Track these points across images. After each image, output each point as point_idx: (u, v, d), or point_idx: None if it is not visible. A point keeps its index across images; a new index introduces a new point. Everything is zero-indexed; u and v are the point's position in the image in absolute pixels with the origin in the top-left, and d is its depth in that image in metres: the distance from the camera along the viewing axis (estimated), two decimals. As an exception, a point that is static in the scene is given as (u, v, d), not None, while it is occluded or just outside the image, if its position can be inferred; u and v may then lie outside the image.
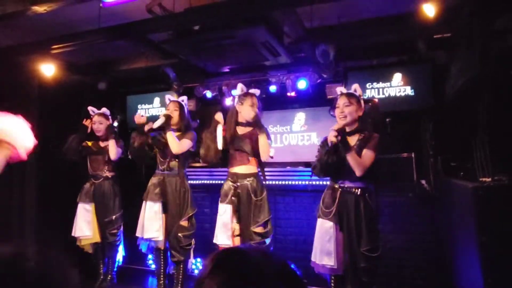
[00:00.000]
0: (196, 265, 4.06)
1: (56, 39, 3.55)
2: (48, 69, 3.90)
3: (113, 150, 3.50)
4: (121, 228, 3.58)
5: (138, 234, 3.15)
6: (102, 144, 3.62)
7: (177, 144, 3.09)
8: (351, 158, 2.44)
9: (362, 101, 2.55)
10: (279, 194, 3.95)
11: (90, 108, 3.70)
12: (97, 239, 3.49)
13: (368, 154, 2.45)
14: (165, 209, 3.16)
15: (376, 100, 4.09)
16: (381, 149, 2.55)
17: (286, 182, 3.94)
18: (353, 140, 2.54)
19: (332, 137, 2.41)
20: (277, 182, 3.91)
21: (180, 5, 3.21)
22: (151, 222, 3.07)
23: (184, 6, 3.18)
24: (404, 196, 3.53)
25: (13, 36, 3.79)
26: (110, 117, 3.75)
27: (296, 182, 3.92)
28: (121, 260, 3.67)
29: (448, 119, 3.62)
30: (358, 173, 2.44)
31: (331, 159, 2.48)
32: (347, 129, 2.55)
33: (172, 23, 3.29)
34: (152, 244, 3.16)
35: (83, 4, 2.88)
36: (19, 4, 2.85)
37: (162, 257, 3.22)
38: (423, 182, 3.59)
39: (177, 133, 3.24)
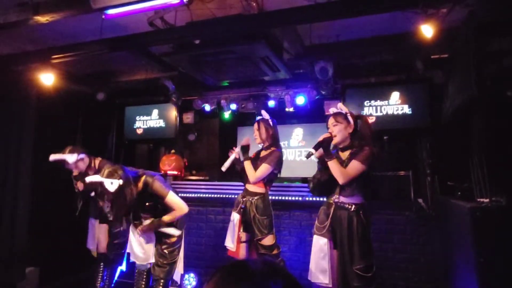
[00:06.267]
0: (189, 280, 3.98)
1: (57, 49, 3.57)
2: (47, 79, 3.90)
3: None
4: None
5: (131, 258, 2.97)
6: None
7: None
8: (332, 165, 2.43)
9: (350, 118, 2.57)
10: (274, 209, 3.92)
11: (52, 158, 3.34)
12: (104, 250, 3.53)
13: (353, 164, 2.44)
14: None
15: (368, 116, 4.13)
16: (374, 164, 2.53)
17: (282, 198, 3.91)
18: (346, 155, 2.55)
19: (309, 151, 2.48)
20: (273, 197, 3.88)
21: (182, 19, 3.25)
22: (142, 249, 2.88)
23: (186, 20, 3.22)
24: (401, 215, 3.51)
25: (13, 45, 3.80)
26: (78, 155, 3.44)
27: (293, 198, 3.90)
28: (116, 275, 3.58)
29: (445, 138, 3.64)
30: (340, 181, 2.42)
31: (323, 178, 2.53)
32: (341, 146, 2.58)
33: (173, 37, 3.32)
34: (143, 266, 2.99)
35: (85, 15, 2.90)
36: (21, 13, 2.86)
37: (144, 279, 3.00)
38: (420, 200, 3.57)
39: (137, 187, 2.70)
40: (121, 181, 2.46)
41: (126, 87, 5.08)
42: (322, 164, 2.55)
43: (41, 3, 2.84)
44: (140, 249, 2.89)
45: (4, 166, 3.77)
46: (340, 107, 2.63)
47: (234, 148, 3.24)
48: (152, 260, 2.87)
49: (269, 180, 3.13)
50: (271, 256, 2.99)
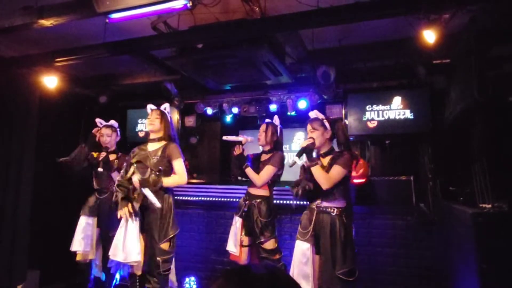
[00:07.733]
0: (190, 284, 3.97)
1: (60, 52, 3.58)
2: (50, 81, 3.92)
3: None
4: None
5: (116, 258, 2.71)
6: (110, 157, 3.54)
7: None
8: (315, 171, 2.46)
9: (326, 124, 2.62)
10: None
11: (98, 120, 3.73)
12: (93, 256, 3.43)
13: (335, 169, 2.47)
14: (142, 229, 2.79)
15: (370, 121, 4.14)
16: (348, 167, 2.54)
17: (283, 202, 3.91)
18: (327, 160, 2.59)
19: (292, 159, 2.50)
20: (274, 201, 3.87)
21: (185, 23, 3.27)
22: (132, 244, 2.69)
23: (189, 24, 3.24)
24: (403, 220, 3.50)
25: (17, 48, 3.83)
26: (117, 130, 3.73)
27: (294, 202, 3.89)
28: (118, 278, 3.56)
29: (447, 143, 3.64)
30: (324, 187, 2.45)
31: (309, 186, 2.54)
32: (321, 151, 2.62)
33: (176, 41, 3.34)
34: (127, 269, 2.84)
35: (89, 19, 2.91)
36: (26, 17, 2.88)
37: (138, 283, 2.86)
38: (422, 205, 3.57)
39: (160, 143, 2.91)
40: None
41: (129, 90, 5.10)
42: (307, 170, 2.58)
43: (45, 6, 2.85)
44: (121, 245, 2.70)
45: (6, 168, 3.78)
46: (316, 113, 2.70)
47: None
48: (137, 259, 2.69)
49: (272, 182, 3.13)
50: (273, 261, 2.99)
